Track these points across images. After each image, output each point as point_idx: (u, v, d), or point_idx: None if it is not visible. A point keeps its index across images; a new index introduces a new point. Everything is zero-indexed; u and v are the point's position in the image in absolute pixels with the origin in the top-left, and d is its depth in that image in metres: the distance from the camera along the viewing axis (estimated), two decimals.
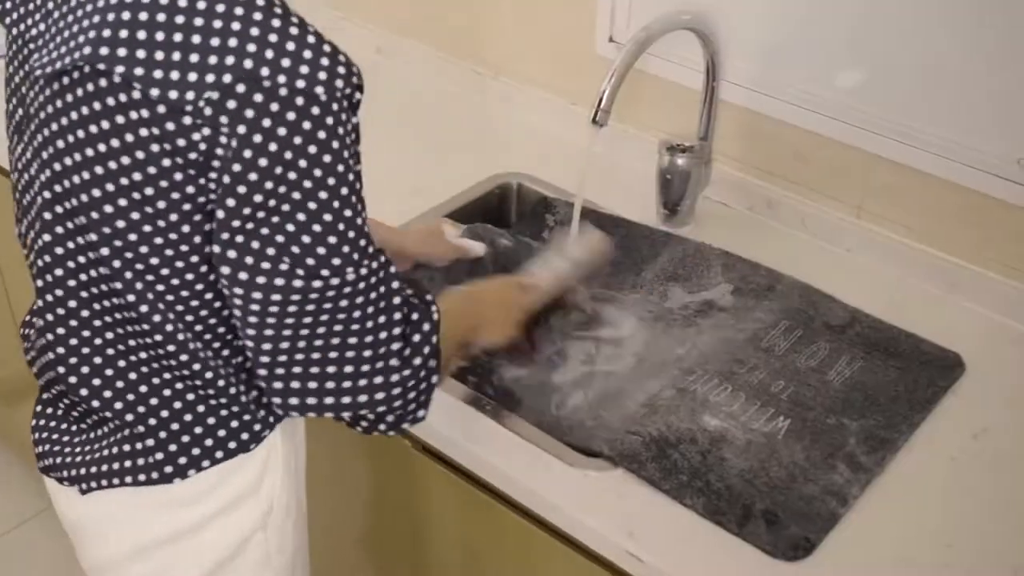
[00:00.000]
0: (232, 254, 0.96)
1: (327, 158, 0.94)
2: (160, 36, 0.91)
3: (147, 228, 0.99)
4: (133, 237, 0.99)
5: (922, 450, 1.27)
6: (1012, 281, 1.44)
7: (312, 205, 0.95)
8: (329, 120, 0.93)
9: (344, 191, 0.96)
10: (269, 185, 0.93)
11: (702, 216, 1.62)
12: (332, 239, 0.96)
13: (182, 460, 1.10)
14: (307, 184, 0.94)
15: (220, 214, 0.95)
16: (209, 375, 1.08)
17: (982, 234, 1.45)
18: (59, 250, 1.04)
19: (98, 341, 1.08)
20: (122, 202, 0.97)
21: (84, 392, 1.10)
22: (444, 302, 1.13)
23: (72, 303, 1.06)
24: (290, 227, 0.95)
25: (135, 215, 0.98)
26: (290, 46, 0.91)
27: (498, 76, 1.90)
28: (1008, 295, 1.44)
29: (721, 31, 1.51)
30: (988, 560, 1.16)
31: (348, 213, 0.97)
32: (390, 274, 1.03)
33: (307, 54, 0.91)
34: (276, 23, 0.92)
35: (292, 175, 0.93)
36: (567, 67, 1.79)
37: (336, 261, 0.97)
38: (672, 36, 1.47)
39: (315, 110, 0.92)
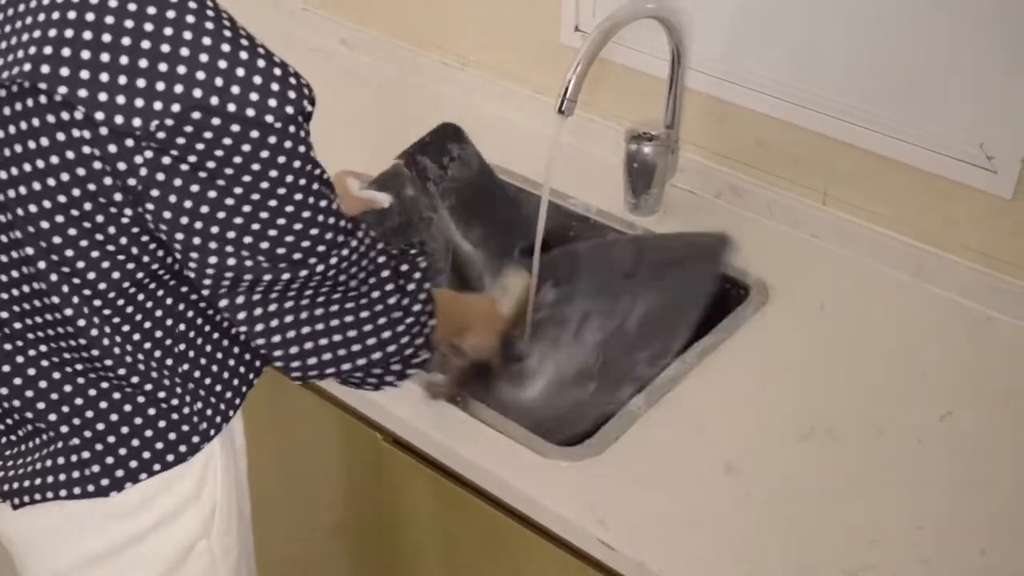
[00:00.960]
0: (212, 259, 0.97)
1: (297, 163, 0.95)
2: (105, 58, 0.88)
3: (84, 243, 0.97)
4: (70, 252, 0.97)
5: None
6: (976, 265, 1.45)
7: (289, 208, 0.97)
8: (287, 143, 0.93)
9: (316, 186, 0.98)
10: (238, 194, 0.93)
11: (670, 204, 1.63)
12: (314, 231, 1.00)
13: (119, 473, 1.08)
14: (280, 191, 0.95)
15: (190, 226, 0.95)
16: (149, 387, 1.06)
17: (946, 218, 1.46)
18: None
19: (32, 352, 1.05)
20: (59, 218, 0.95)
21: (16, 403, 1.07)
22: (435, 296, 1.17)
23: (3, 314, 1.04)
24: (272, 232, 0.97)
25: (72, 231, 0.96)
26: (240, 72, 0.90)
27: (464, 67, 1.89)
28: (972, 278, 1.45)
29: (686, 19, 1.51)
30: (957, 542, 1.17)
31: (323, 204, 1.00)
32: (373, 240, 1.08)
33: (257, 80, 0.90)
34: (225, 48, 0.90)
35: (263, 184, 0.94)
36: (533, 57, 1.79)
37: (321, 248, 1.01)
38: (637, 25, 1.47)
39: (272, 138, 0.92)
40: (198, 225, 0.94)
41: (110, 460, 1.08)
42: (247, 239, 0.96)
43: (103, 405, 1.06)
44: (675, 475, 1.23)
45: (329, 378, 1.12)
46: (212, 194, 0.93)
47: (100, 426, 1.07)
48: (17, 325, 1.04)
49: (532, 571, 1.32)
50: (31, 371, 1.06)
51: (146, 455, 1.09)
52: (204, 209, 0.94)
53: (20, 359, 1.06)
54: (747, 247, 1.54)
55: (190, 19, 0.89)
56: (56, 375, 1.06)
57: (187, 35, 0.89)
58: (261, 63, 0.91)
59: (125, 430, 1.07)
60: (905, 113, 1.43)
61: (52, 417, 1.07)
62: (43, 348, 1.05)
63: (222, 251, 0.96)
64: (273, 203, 0.95)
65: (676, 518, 1.18)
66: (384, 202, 1.52)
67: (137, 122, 0.88)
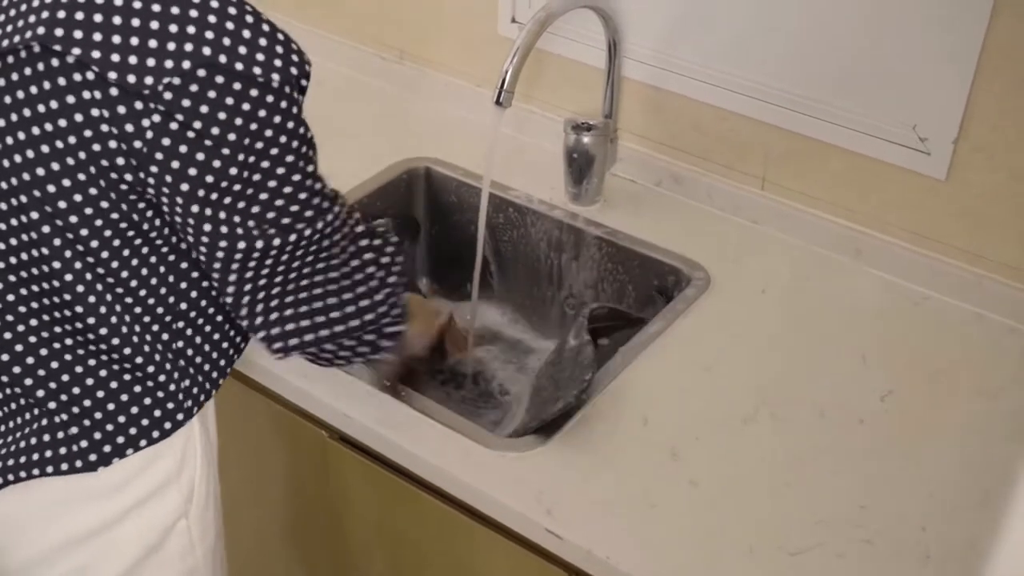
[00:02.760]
0: (207, 227, 0.99)
1: (291, 125, 0.99)
2: (117, 20, 0.92)
3: (88, 210, 0.99)
4: (74, 218, 1.00)
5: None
6: (912, 245, 1.47)
7: (280, 170, 1.00)
8: (283, 104, 0.97)
9: (304, 149, 1.02)
10: (239, 160, 0.96)
11: (610, 193, 1.63)
12: (303, 194, 1.03)
13: (106, 448, 1.10)
14: (274, 152, 0.98)
15: (191, 193, 0.97)
16: (140, 359, 1.08)
17: (883, 200, 1.48)
18: None
19: (21, 328, 1.06)
20: (65, 182, 0.98)
21: (4, 379, 1.08)
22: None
23: None
24: (263, 196, 1.00)
25: (77, 196, 0.99)
26: (246, 34, 0.94)
27: (402, 60, 1.89)
28: (909, 259, 1.47)
29: (621, 9, 1.52)
30: (899, 520, 1.19)
31: (311, 168, 1.04)
32: (351, 208, 1.12)
33: (263, 42, 0.95)
34: (232, 11, 0.95)
35: (259, 144, 0.97)
36: (471, 49, 1.79)
37: (308, 212, 1.05)
38: (574, 15, 1.47)
39: (270, 97, 0.96)
40: (200, 193, 0.97)
41: (97, 435, 1.09)
42: (241, 204, 0.99)
43: (90, 382, 1.08)
44: (621, 462, 1.24)
45: (307, 351, 1.14)
46: (216, 163, 0.96)
47: (87, 402, 1.08)
48: (10, 297, 1.05)
49: (481, 563, 1.32)
50: (19, 347, 1.07)
51: (132, 431, 1.10)
52: (208, 178, 0.96)
53: (8, 335, 1.07)
54: (688, 234, 1.55)
55: None
56: (44, 351, 1.07)
57: None
58: (266, 28, 0.96)
59: (112, 406, 1.09)
60: (839, 97, 1.44)
61: (40, 393, 1.08)
62: (34, 322, 1.06)
63: (217, 218, 0.99)
64: (266, 164, 0.99)
65: (623, 505, 1.18)
66: None
67: (149, 80, 0.92)
